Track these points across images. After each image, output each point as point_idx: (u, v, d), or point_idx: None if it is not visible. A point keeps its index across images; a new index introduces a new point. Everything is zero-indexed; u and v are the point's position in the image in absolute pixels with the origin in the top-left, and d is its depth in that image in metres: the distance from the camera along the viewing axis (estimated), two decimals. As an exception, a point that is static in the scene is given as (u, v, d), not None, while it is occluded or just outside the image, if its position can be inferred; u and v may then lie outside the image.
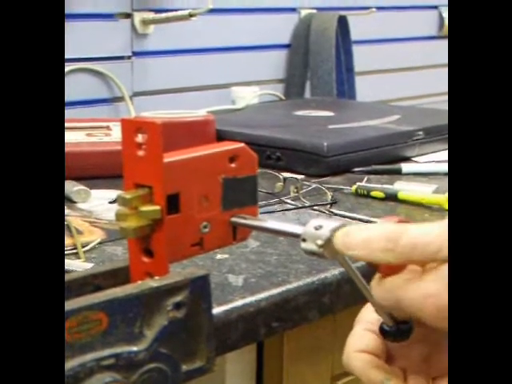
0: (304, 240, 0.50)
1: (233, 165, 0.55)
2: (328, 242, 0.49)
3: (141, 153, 0.51)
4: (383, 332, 0.52)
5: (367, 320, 0.54)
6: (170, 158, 0.51)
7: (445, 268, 0.44)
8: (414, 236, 0.45)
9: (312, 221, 0.50)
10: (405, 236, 0.45)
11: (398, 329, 0.51)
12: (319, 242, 0.49)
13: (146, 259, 0.53)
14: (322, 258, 0.49)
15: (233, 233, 0.55)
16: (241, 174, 0.55)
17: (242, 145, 0.55)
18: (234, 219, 0.55)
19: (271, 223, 0.55)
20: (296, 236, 0.51)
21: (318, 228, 0.49)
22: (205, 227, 0.54)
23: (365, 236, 0.47)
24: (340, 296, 0.77)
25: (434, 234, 0.45)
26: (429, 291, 0.45)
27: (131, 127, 0.51)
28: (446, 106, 0.69)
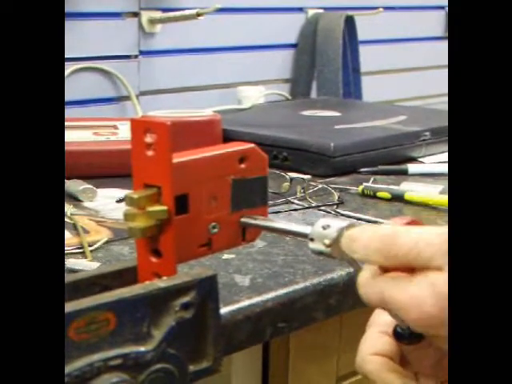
0: (312, 240, 0.50)
1: (242, 165, 0.55)
2: (335, 241, 0.49)
3: (150, 153, 0.51)
4: (397, 335, 0.52)
5: (381, 322, 0.54)
6: (179, 158, 0.51)
7: (433, 275, 0.45)
8: (408, 242, 0.46)
9: (320, 220, 0.50)
10: (400, 241, 0.46)
11: (412, 332, 0.51)
12: (327, 242, 0.49)
13: (153, 259, 0.53)
14: (329, 257, 0.49)
15: (242, 233, 0.55)
16: (250, 174, 0.55)
17: (252, 145, 0.55)
18: (243, 220, 0.55)
19: (280, 223, 0.55)
20: (304, 236, 0.51)
21: (325, 227, 0.49)
22: (213, 228, 0.54)
23: (364, 239, 0.48)
24: (347, 297, 0.77)
25: (428, 241, 0.46)
26: (415, 294, 0.45)
27: (140, 127, 0.51)
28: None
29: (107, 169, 1.09)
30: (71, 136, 1.11)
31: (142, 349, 0.50)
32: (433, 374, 0.53)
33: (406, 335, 0.51)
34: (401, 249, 0.46)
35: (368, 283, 0.48)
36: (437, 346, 0.51)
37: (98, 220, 0.92)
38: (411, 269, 0.46)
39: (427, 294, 0.45)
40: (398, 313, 0.46)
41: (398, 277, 0.47)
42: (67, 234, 0.85)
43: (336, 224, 0.49)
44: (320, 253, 0.50)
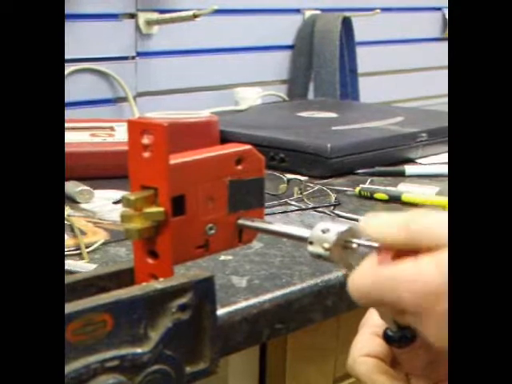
0: (311, 243, 0.50)
1: (239, 167, 0.54)
2: (335, 245, 0.49)
3: (147, 154, 0.51)
4: (387, 338, 0.52)
5: (373, 324, 0.54)
6: (175, 159, 0.51)
7: (439, 254, 0.44)
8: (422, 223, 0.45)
9: (319, 224, 0.50)
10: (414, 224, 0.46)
11: (402, 334, 0.51)
12: (326, 246, 0.49)
13: (150, 261, 0.53)
14: (328, 261, 0.49)
15: (238, 235, 0.55)
16: (247, 176, 0.55)
17: (249, 147, 0.55)
18: (240, 221, 0.55)
19: (278, 226, 0.55)
20: (303, 239, 0.51)
21: (325, 231, 0.49)
22: (210, 229, 0.54)
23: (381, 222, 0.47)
24: (343, 298, 0.77)
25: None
26: (421, 267, 0.44)
27: (137, 128, 0.51)
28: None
29: (104, 170, 1.09)
30: (68, 137, 1.11)
31: (139, 350, 0.50)
32: (424, 375, 0.53)
33: (395, 338, 0.51)
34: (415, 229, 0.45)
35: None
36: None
37: (94, 221, 0.92)
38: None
39: (434, 270, 0.44)
40: (402, 286, 0.45)
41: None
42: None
43: (335, 228, 0.49)
44: (319, 256, 0.50)
